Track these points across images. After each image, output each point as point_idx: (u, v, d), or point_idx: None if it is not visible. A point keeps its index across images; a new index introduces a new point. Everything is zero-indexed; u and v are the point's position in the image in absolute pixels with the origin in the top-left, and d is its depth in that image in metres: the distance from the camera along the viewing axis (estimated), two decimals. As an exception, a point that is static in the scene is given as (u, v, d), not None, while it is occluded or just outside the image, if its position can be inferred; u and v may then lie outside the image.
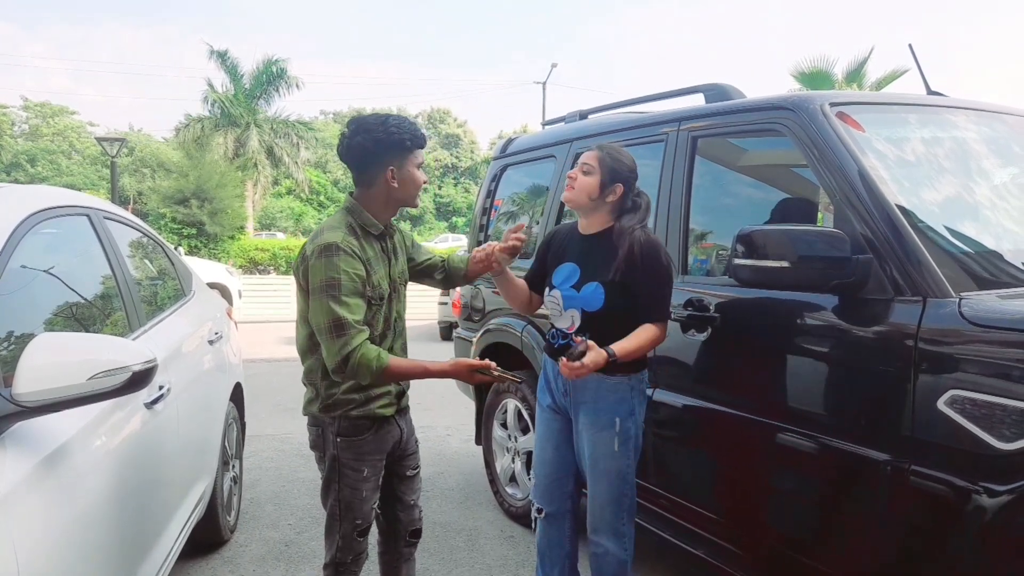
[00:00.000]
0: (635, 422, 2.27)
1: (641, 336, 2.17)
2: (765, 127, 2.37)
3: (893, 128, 2.34)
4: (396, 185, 2.06)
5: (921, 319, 1.78)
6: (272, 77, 26.49)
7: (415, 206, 2.20)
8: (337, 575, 2.15)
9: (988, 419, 1.61)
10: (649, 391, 2.63)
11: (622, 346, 2.12)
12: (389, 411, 2.13)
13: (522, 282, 2.47)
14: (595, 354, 2.06)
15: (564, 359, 2.08)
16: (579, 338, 2.10)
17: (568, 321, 2.28)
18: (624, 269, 2.17)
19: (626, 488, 2.28)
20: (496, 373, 2.07)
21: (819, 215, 2.32)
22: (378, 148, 2.02)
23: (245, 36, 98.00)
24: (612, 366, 2.12)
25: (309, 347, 2.06)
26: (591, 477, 2.30)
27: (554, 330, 2.36)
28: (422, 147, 2.12)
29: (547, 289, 2.36)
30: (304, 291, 2.00)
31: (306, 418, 2.17)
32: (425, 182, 2.16)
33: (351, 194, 2.13)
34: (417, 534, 2.34)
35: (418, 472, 2.34)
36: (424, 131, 2.18)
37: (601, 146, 2.31)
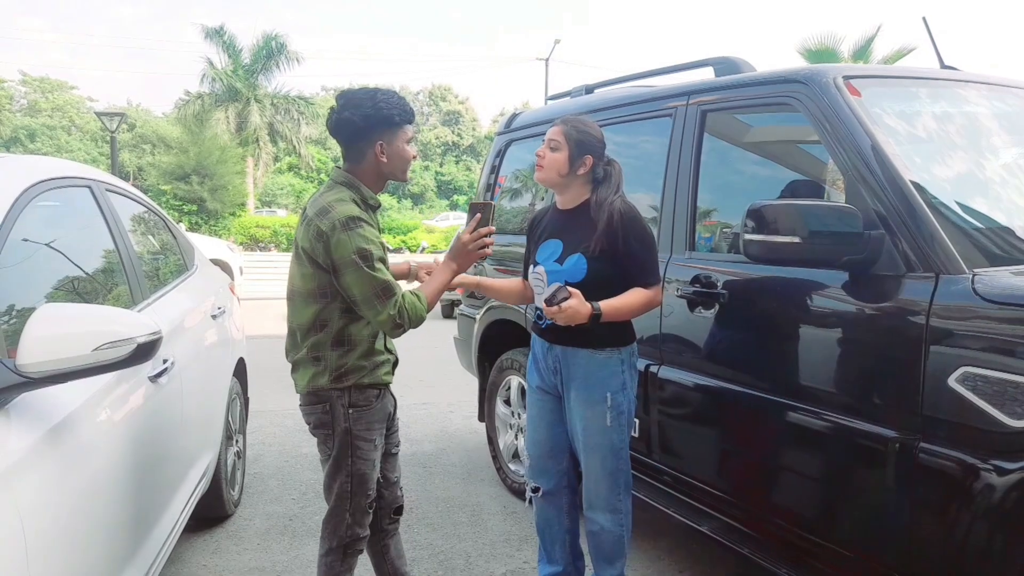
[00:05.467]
0: (627, 396, 2.26)
1: (629, 297, 2.16)
2: (777, 101, 2.34)
3: (907, 102, 2.30)
4: (385, 160, 2.07)
5: (933, 295, 1.76)
6: (272, 52, 26.28)
7: (405, 180, 2.21)
8: (346, 556, 2.14)
9: (1000, 396, 1.60)
10: (655, 368, 2.62)
11: (609, 303, 2.12)
12: (390, 378, 2.16)
13: (508, 280, 2.44)
14: (578, 302, 2.06)
15: (546, 303, 2.10)
16: (569, 287, 2.09)
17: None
18: (605, 240, 2.17)
19: (620, 463, 2.28)
20: (485, 228, 2.13)
21: (825, 191, 2.29)
22: (367, 123, 2.03)
23: (243, 10, 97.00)
24: (598, 333, 2.15)
25: (316, 323, 2.05)
26: (584, 453, 2.30)
27: (539, 310, 2.35)
28: (411, 122, 2.12)
29: (531, 267, 2.36)
30: (319, 267, 1.98)
31: (302, 399, 2.12)
32: (414, 157, 2.16)
33: (339, 167, 2.13)
34: (400, 511, 2.35)
35: (399, 450, 2.35)
36: (413, 106, 2.17)
37: (565, 119, 2.29)
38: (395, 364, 2.21)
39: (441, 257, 2.32)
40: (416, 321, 2.01)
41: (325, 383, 2.05)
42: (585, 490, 2.33)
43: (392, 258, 2.22)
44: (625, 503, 2.32)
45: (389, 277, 1.98)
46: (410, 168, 2.17)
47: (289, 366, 2.19)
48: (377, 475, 2.16)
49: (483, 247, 2.14)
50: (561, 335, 2.27)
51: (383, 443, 2.18)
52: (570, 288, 2.09)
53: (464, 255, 2.15)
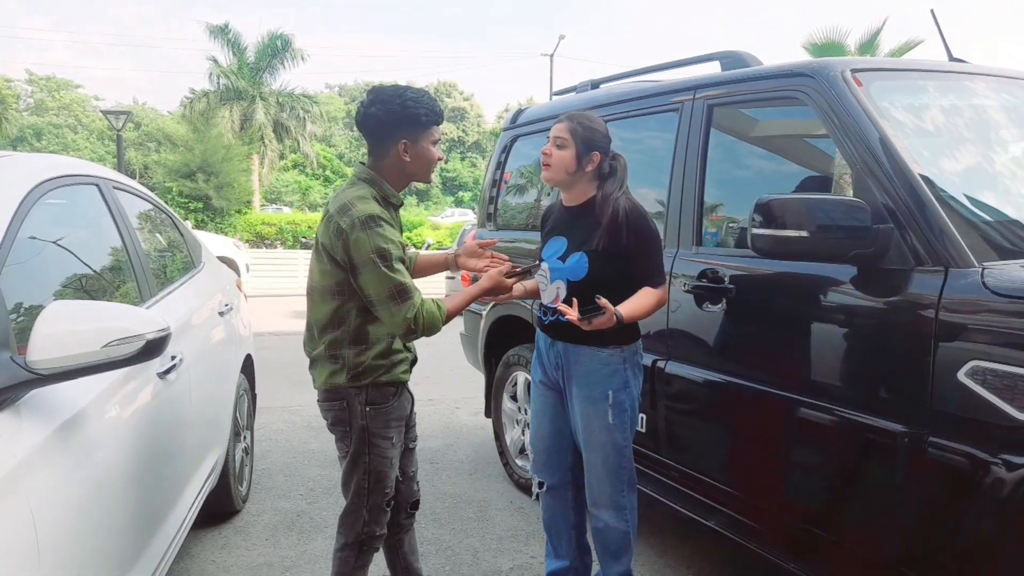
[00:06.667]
0: (629, 394, 2.25)
1: (643, 298, 2.14)
2: (784, 95, 2.32)
3: (916, 95, 2.29)
4: (408, 159, 2.07)
5: (942, 289, 1.75)
6: (277, 50, 26.29)
7: (428, 181, 2.21)
8: (361, 553, 2.14)
9: (1010, 390, 1.59)
10: (662, 363, 2.62)
11: (628, 307, 2.10)
12: (407, 376, 2.16)
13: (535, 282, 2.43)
14: (606, 317, 2.03)
15: (580, 319, 2.02)
16: (602, 300, 2.03)
17: (553, 293, 2.26)
18: (608, 237, 2.15)
19: (623, 460, 2.27)
20: (519, 269, 2.26)
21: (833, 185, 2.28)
22: (392, 120, 2.02)
23: (248, 8, 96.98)
24: (602, 331, 2.11)
25: (333, 320, 2.04)
26: (586, 450, 2.29)
27: (543, 307, 2.35)
28: (438, 123, 2.11)
29: (537, 263, 2.36)
30: (337, 264, 1.98)
31: (320, 395, 2.13)
32: (440, 159, 2.16)
33: (363, 164, 2.13)
34: (416, 505, 2.35)
35: (416, 445, 2.36)
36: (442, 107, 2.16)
37: (571, 116, 2.26)
38: (413, 362, 2.21)
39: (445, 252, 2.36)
40: (431, 329, 1.99)
41: (343, 381, 2.05)
42: (589, 487, 2.33)
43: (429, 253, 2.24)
44: (629, 499, 2.32)
45: (407, 279, 1.96)
46: (434, 170, 2.18)
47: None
48: (396, 473, 2.16)
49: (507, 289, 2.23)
50: (564, 332, 2.26)
51: (401, 441, 2.18)
52: (602, 300, 2.01)
53: (499, 287, 2.19)
